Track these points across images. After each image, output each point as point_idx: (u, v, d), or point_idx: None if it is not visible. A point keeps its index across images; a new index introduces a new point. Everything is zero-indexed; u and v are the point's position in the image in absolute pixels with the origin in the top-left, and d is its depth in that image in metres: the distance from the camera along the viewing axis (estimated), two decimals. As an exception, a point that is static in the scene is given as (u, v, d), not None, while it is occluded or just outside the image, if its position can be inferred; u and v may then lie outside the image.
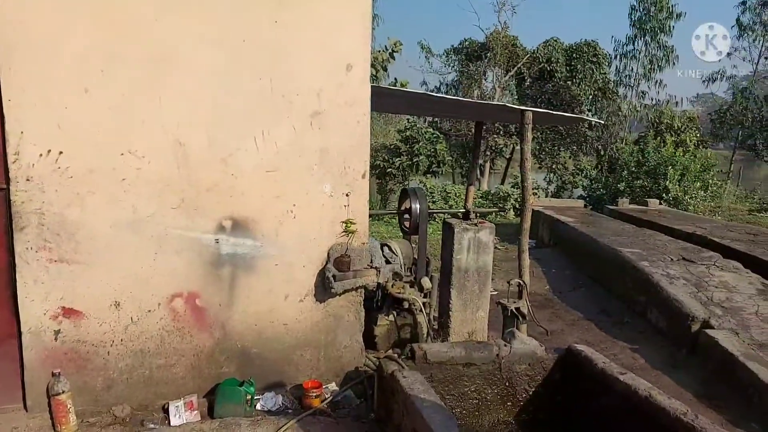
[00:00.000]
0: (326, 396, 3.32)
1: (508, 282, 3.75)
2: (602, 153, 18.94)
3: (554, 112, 5.40)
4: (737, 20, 23.60)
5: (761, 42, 23.41)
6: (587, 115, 18.64)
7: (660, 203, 11.96)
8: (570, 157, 18.95)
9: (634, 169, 14.12)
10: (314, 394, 3.24)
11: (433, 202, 13.67)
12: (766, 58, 23.48)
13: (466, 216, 4.98)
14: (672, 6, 19.75)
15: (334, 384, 3.47)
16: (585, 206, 12.30)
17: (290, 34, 3.15)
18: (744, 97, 21.16)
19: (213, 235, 3.19)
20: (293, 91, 3.20)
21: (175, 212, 3.09)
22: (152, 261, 3.09)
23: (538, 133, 18.83)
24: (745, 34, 23.55)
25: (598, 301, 6.17)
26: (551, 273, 7.43)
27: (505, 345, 3.01)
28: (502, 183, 18.40)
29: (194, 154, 3.08)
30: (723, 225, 9.53)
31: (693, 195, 12.78)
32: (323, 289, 3.41)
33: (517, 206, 12.03)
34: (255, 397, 3.22)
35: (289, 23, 3.13)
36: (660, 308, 5.16)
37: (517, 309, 3.54)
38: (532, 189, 15.69)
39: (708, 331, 4.39)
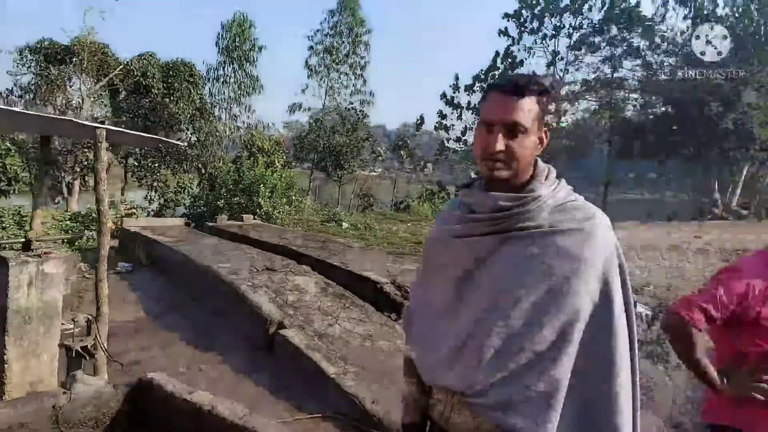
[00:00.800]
0: None
1: (73, 320, 3.33)
2: (203, 171, 19.49)
3: (131, 132, 5.15)
4: (306, 62, 28.67)
5: (326, 82, 29.14)
6: (186, 133, 18.85)
7: (254, 218, 13.19)
8: (173, 175, 18.71)
9: (231, 186, 15.12)
10: None
11: (3, 228, 11.22)
12: (329, 95, 29.33)
13: (27, 246, 4.18)
14: (254, 39, 22.29)
15: None
16: (187, 224, 12.37)
17: None
18: (318, 126, 25.72)
19: None
20: None
21: None
22: None
23: (137, 150, 17.88)
24: (314, 74, 28.86)
25: (194, 320, 6.24)
26: (147, 297, 7.10)
27: (64, 392, 2.64)
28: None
29: None
30: (302, 235, 11.24)
31: (280, 209, 14.64)
32: None
33: (116, 228, 11.02)
34: None
35: None
36: (246, 317, 5.61)
37: (84, 348, 3.18)
38: (131, 209, 14.78)
39: (282, 330, 5.03)
